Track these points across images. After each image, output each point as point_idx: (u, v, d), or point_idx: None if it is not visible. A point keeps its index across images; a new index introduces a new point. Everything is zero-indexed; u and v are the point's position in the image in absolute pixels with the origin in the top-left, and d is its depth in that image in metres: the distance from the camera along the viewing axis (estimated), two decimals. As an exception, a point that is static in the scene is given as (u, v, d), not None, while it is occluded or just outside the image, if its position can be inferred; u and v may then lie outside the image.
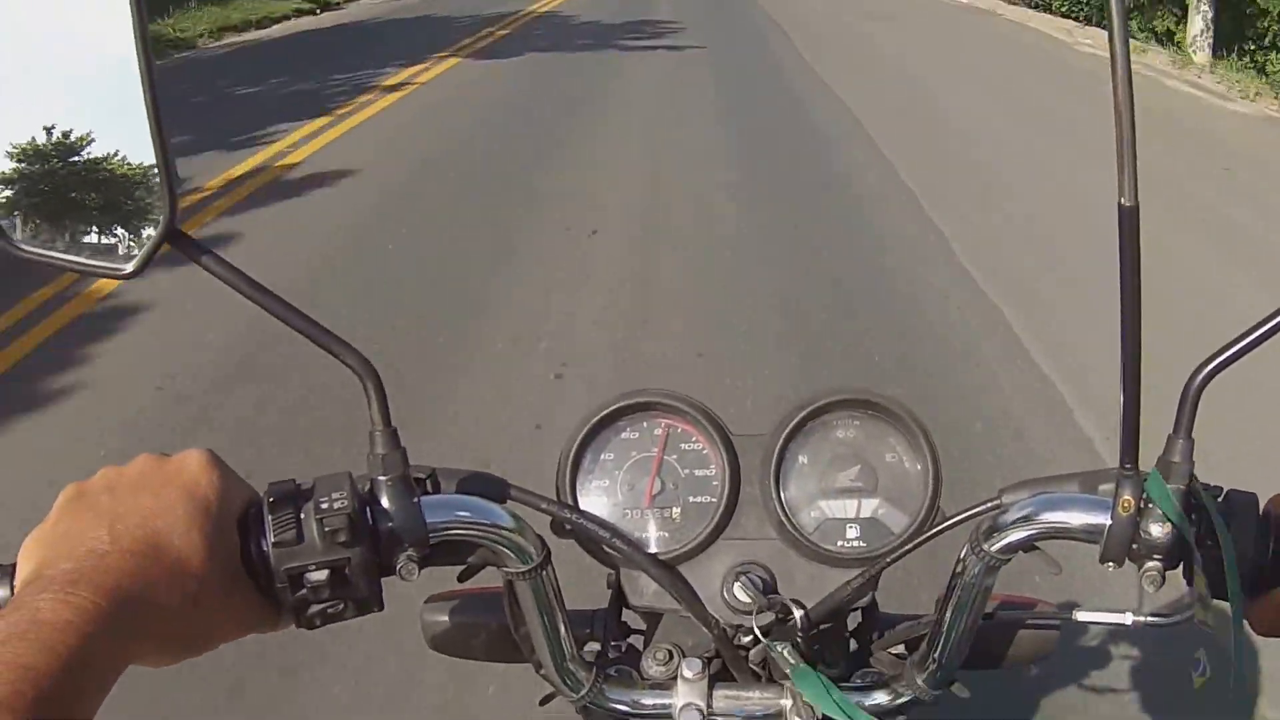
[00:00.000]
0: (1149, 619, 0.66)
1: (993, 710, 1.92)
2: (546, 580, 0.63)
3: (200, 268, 0.54)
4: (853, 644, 0.79)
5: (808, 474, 0.71)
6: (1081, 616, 0.71)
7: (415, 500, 0.56)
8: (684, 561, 0.70)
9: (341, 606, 0.55)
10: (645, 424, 0.72)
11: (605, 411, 0.72)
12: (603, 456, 0.72)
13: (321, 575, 0.53)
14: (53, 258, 0.59)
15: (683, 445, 0.72)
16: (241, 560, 0.53)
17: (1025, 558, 0.65)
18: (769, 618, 0.66)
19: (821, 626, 0.73)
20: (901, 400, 0.72)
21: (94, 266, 0.59)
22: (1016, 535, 0.60)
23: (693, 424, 0.72)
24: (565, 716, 0.75)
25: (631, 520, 0.71)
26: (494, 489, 0.62)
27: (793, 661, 0.65)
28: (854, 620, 0.79)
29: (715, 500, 0.70)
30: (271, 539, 0.53)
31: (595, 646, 0.76)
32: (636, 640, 0.77)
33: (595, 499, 0.71)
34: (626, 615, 0.79)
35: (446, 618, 0.79)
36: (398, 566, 0.56)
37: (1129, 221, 0.47)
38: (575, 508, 0.70)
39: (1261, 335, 0.52)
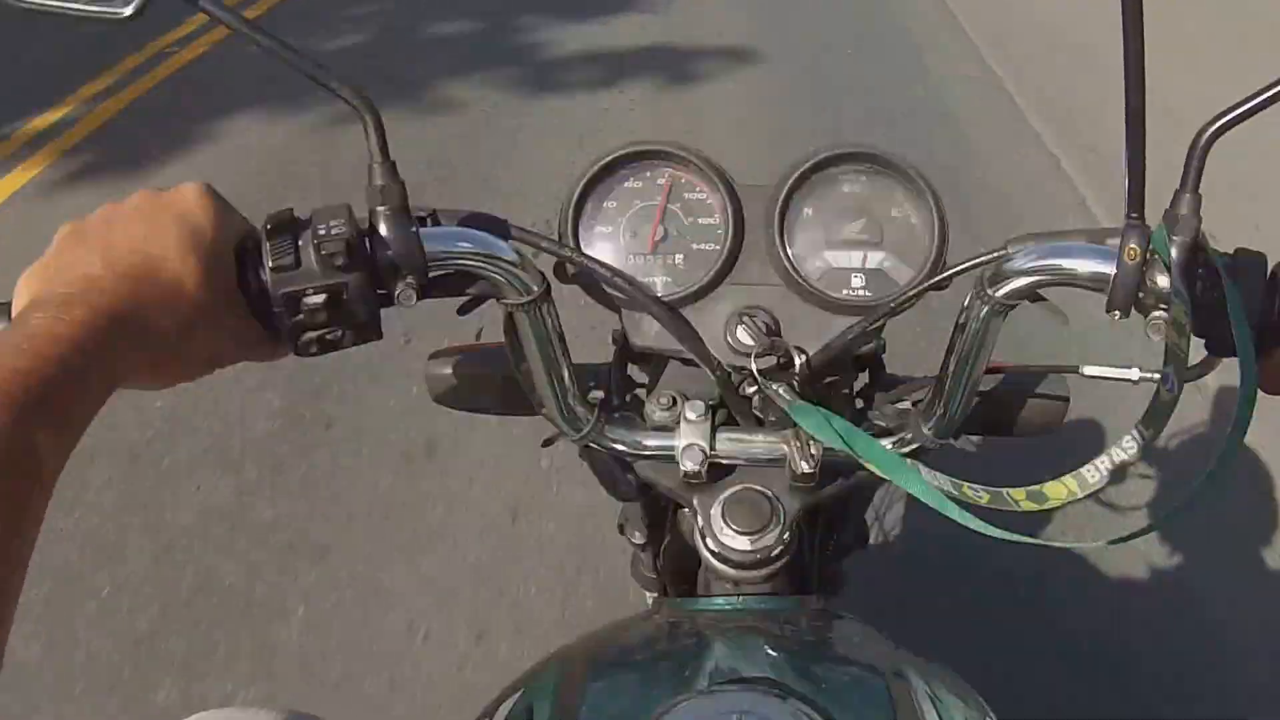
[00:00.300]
0: (1155, 374, 0.66)
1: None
2: (547, 314, 0.63)
3: (197, 9, 0.53)
4: (859, 403, 0.80)
5: (813, 225, 0.71)
6: (1089, 371, 0.72)
7: (414, 230, 0.56)
8: (687, 305, 0.70)
9: (340, 333, 0.56)
10: (648, 173, 0.72)
11: (607, 159, 0.71)
12: (605, 204, 0.72)
13: (319, 299, 0.54)
14: (50, 5, 0.60)
15: (686, 195, 0.72)
16: (239, 288, 0.54)
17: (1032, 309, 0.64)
18: (770, 361, 0.67)
19: (827, 380, 0.74)
20: (907, 156, 0.70)
21: (92, 11, 0.59)
22: (1022, 281, 0.59)
23: (696, 174, 0.72)
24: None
25: (635, 265, 0.71)
26: (496, 227, 0.62)
27: (788, 398, 0.66)
28: (861, 382, 0.80)
29: (719, 247, 0.70)
30: (269, 264, 0.54)
31: (600, 397, 0.77)
32: (641, 394, 0.79)
33: (598, 245, 0.71)
34: (632, 371, 0.80)
35: (450, 371, 0.81)
36: (396, 294, 0.57)
37: None
38: (578, 249, 0.70)
39: (1273, 95, 0.51)
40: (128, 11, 0.58)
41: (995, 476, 0.64)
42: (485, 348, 0.80)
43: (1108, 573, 1.89)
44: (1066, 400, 0.79)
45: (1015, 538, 0.56)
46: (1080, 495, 0.61)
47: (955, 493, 0.61)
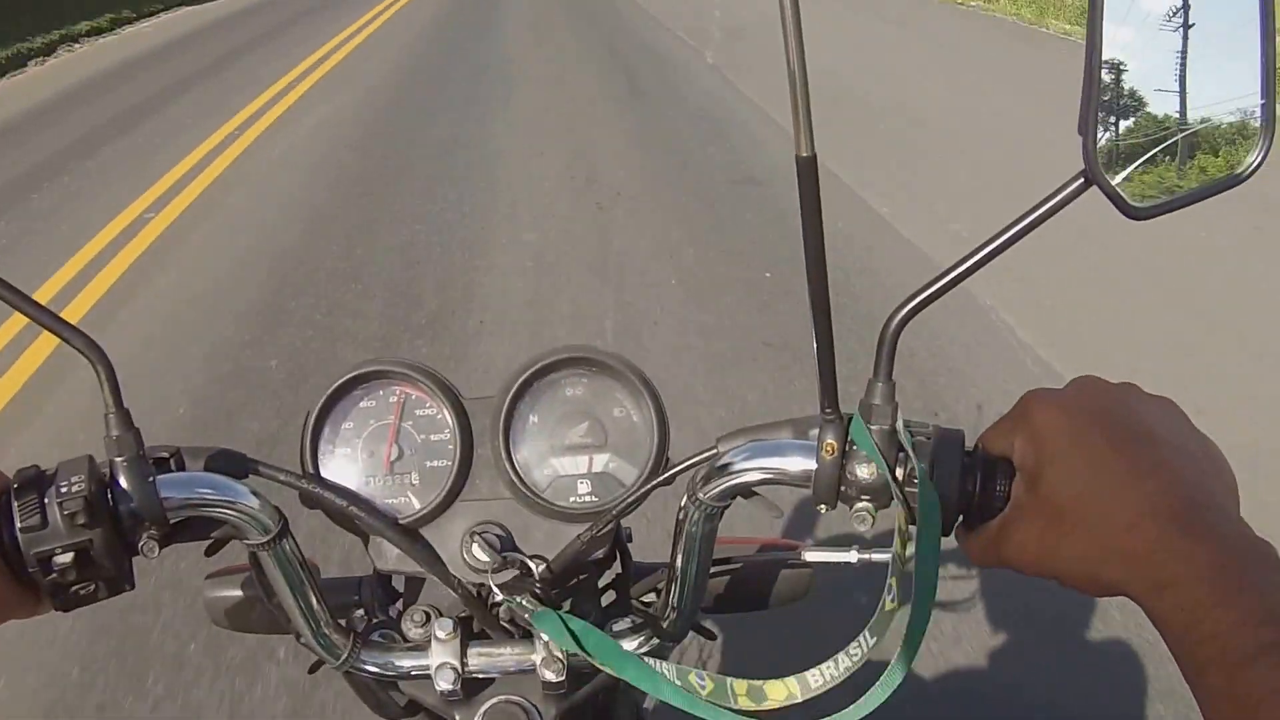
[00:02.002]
0: (873, 557, 0.70)
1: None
2: (287, 549, 0.64)
3: None
4: (613, 595, 0.81)
5: (538, 433, 0.72)
6: (809, 556, 0.76)
7: (151, 480, 0.57)
8: (424, 525, 0.71)
9: (93, 587, 0.57)
10: (380, 392, 0.73)
11: (339, 382, 0.72)
12: (343, 426, 0.72)
13: (67, 558, 0.54)
14: None
15: (417, 411, 0.73)
16: None
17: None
18: (510, 574, 0.68)
19: (581, 578, 0.76)
20: (623, 356, 0.72)
21: None
22: (731, 482, 0.61)
23: (425, 390, 0.73)
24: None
25: (374, 487, 0.71)
26: (236, 465, 0.63)
27: (531, 607, 0.67)
28: (615, 572, 0.81)
29: (450, 463, 0.71)
30: (19, 524, 0.54)
31: (361, 615, 0.77)
32: (402, 605, 0.78)
33: (339, 467, 0.72)
34: (397, 581, 0.80)
35: (226, 593, 0.80)
36: (139, 545, 0.57)
37: (807, 171, 0.47)
38: (315, 477, 0.70)
39: (955, 278, 0.54)
40: None
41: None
42: None
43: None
44: (810, 566, 0.80)
45: None
46: (800, 698, 0.60)
47: (680, 682, 0.62)
